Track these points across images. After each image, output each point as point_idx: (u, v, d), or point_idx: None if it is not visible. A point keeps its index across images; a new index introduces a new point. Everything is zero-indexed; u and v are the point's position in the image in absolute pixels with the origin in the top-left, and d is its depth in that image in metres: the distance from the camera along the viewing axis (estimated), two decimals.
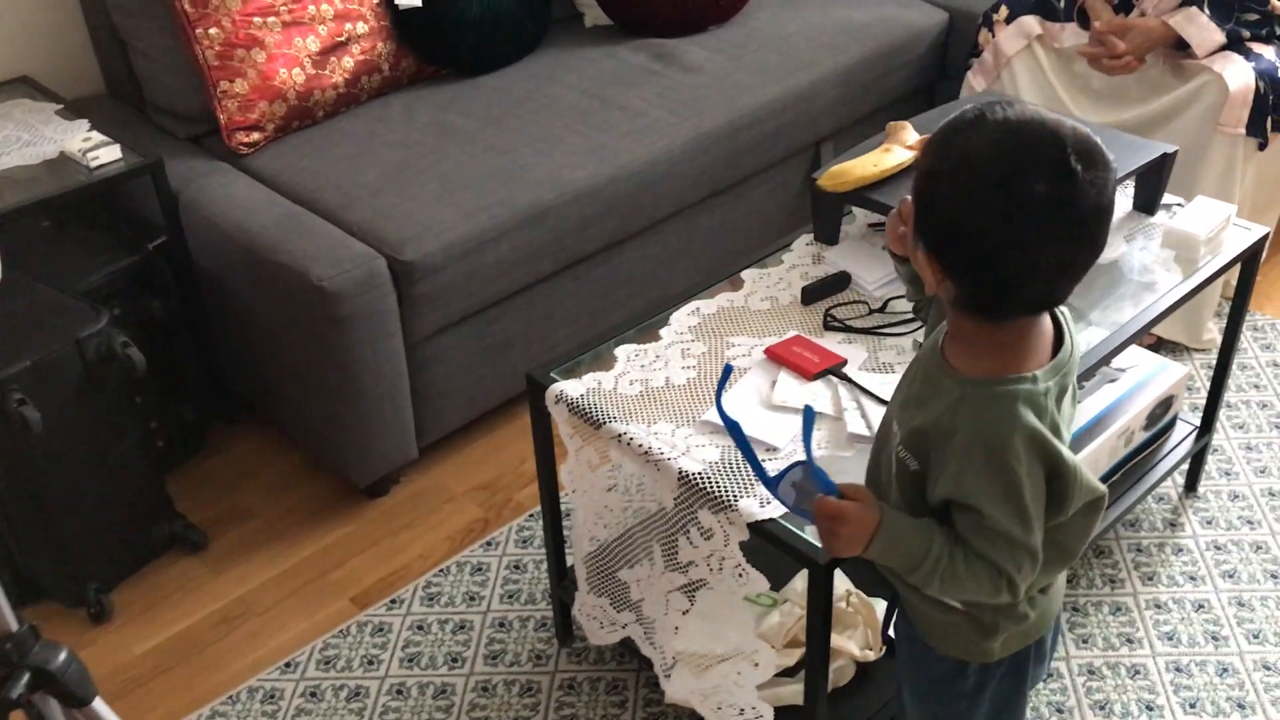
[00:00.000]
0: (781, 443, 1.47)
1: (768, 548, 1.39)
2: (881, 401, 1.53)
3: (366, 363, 2.00)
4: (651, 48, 2.62)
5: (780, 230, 2.64)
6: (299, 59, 2.26)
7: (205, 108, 2.25)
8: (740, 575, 1.43)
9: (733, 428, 1.24)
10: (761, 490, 1.39)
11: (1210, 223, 1.83)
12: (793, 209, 2.67)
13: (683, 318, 1.73)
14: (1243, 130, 2.30)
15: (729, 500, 1.40)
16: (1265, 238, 1.88)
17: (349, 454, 2.12)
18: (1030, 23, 2.54)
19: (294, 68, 2.25)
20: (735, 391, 1.56)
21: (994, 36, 2.56)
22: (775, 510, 1.38)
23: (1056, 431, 1.12)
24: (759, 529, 1.38)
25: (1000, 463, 1.09)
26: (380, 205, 2.09)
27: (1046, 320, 1.14)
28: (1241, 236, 1.88)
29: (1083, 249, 1.07)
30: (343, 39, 2.33)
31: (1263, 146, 2.35)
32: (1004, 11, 2.57)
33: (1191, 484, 2.15)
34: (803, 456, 1.16)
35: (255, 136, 2.26)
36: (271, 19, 2.23)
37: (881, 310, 1.72)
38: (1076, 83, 2.54)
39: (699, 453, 1.47)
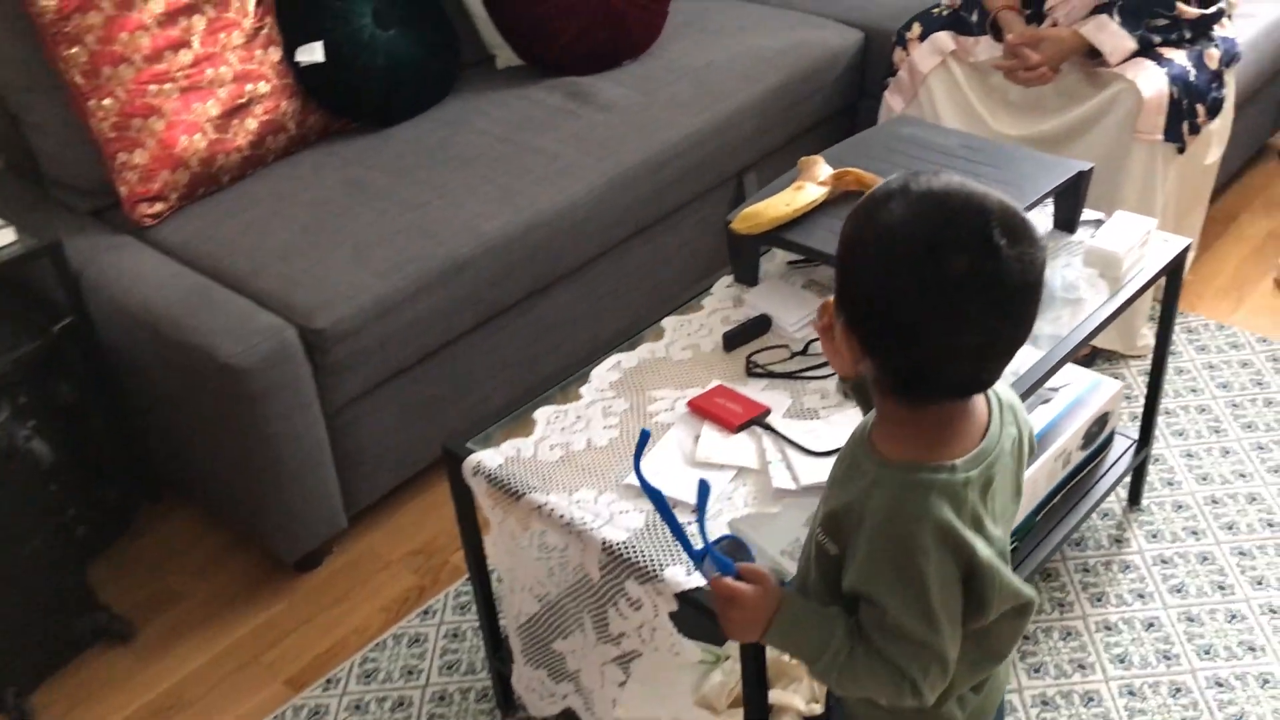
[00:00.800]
0: (707, 503, 1.43)
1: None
2: (807, 452, 1.49)
3: (283, 437, 1.93)
4: (565, 86, 2.58)
5: (709, 261, 2.61)
6: (199, 124, 2.19)
7: (105, 180, 2.18)
8: (673, 649, 1.38)
9: (655, 496, 1.19)
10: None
11: (1131, 238, 1.81)
12: (720, 240, 2.62)
13: (603, 373, 1.68)
14: (1160, 137, 2.30)
15: (655, 570, 1.36)
16: (1186, 249, 1.86)
17: (274, 530, 2.06)
18: (943, 39, 2.52)
19: (195, 134, 2.19)
20: (658, 450, 1.51)
21: (908, 55, 2.55)
22: (702, 579, 1.33)
23: (979, 527, 1.05)
24: (687, 599, 1.33)
25: (907, 556, 1.02)
26: (290, 271, 2.03)
27: (978, 404, 1.09)
28: (1163, 249, 1.86)
29: (1009, 328, 1.01)
30: (244, 100, 2.26)
31: (1181, 150, 2.35)
32: (917, 29, 2.55)
33: (1134, 497, 2.13)
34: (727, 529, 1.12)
35: (159, 207, 2.19)
36: (168, 85, 2.16)
37: (804, 353, 1.68)
38: (993, 96, 2.53)
39: (623, 520, 1.42)
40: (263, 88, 2.29)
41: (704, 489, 1.12)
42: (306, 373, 1.94)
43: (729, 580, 1.11)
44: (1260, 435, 2.24)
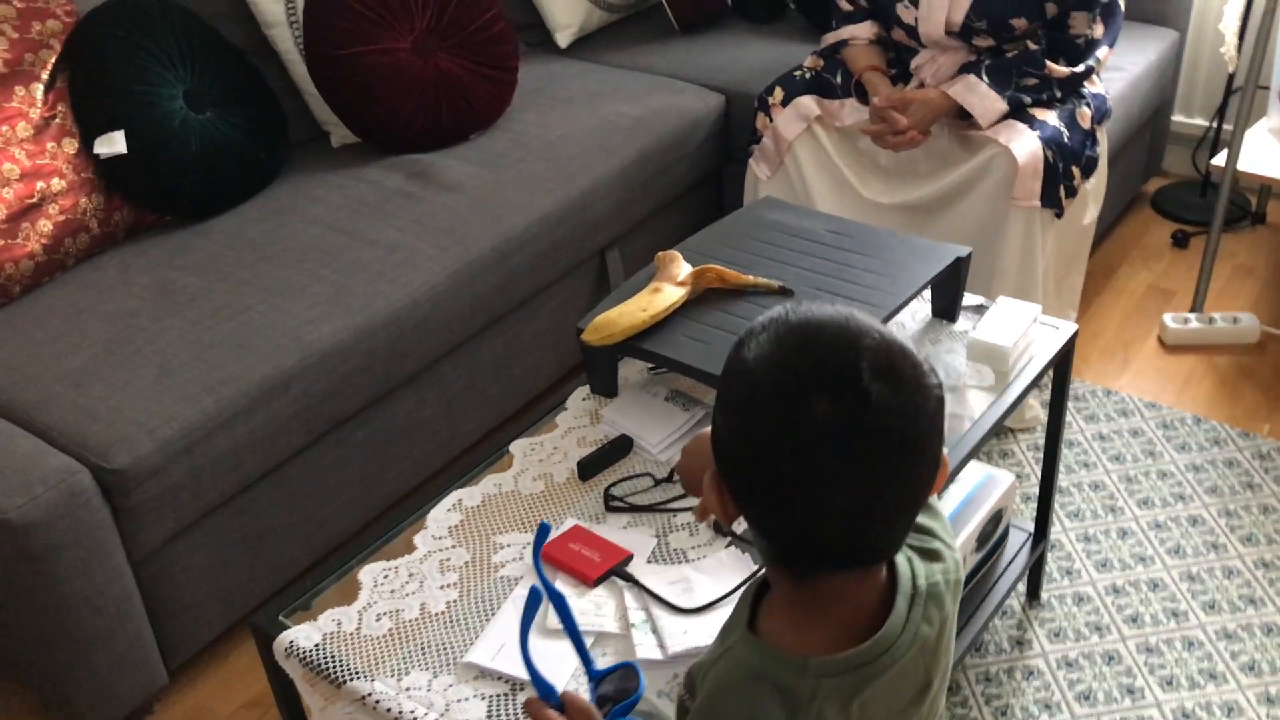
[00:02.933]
0: (562, 680, 1.22)
1: None
2: (676, 610, 1.29)
3: (81, 597, 1.67)
4: (407, 166, 2.37)
5: (570, 350, 2.42)
6: None
7: None
8: None
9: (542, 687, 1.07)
10: None
11: (1016, 327, 1.68)
12: None
13: (441, 516, 1.46)
14: (1037, 203, 2.19)
15: None
16: (1074, 336, 1.74)
17: (83, 697, 1.78)
18: (807, 104, 2.38)
19: None
20: (502, 618, 1.31)
21: (772, 121, 2.40)
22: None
23: None
24: None
25: None
26: (85, 400, 1.77)
27: (872, 586, 0.90)
28: (1051, 336, 1.73)
29: (891, 488, 0.84)
30: (35, 200, 2.00)
31: (1059, 215, 2.24)
32: (779, 94, 2.41)
33: (1034, 591, 1.99)
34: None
35: None
36: None
37: (670, 479, 1.49)
38: (863, 161, 2.40)
39: (462, 709, 1.21)
40: (57, 184, 2.03)
41: (534, 596, 1.04)
42: (105, 519, 1.69)
43: (540, 707, 1.00)
44: (1157, 512, 2.13)
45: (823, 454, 0.81)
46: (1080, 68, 2.25)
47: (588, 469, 1.51)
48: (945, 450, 0.92)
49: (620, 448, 1.53)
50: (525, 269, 2.23)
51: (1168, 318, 2.55)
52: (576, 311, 2.43)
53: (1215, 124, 2.95)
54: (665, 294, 1.59)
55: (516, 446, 1.57)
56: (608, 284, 2.47)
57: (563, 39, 2.87)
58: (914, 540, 0.96)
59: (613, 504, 1.46)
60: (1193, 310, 2.59)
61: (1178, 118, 3.07)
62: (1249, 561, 2.01)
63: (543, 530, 1.30)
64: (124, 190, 2.14)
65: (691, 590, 1.31)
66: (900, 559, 0.93)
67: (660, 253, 1.68)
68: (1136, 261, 2.85)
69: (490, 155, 2.39)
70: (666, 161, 2.52)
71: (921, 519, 0.99)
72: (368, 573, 1.39)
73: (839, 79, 2.40)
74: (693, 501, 1.45)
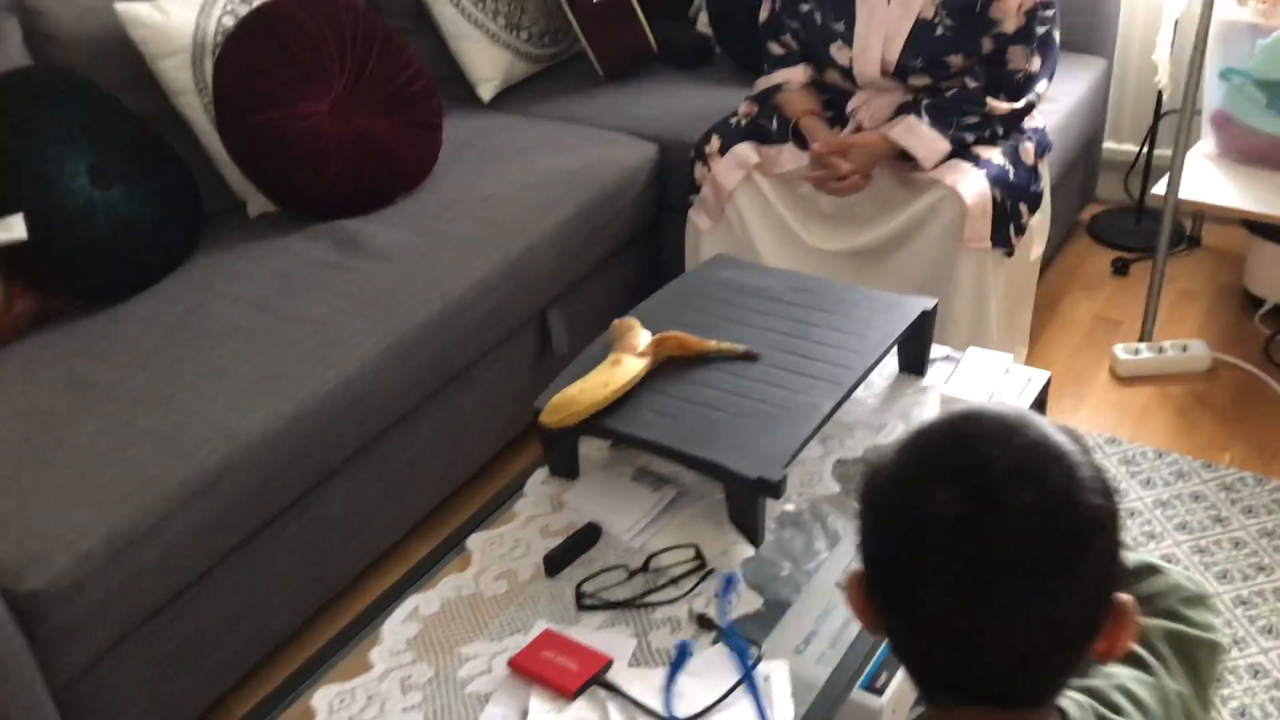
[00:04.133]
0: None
1: None
2: None
3: None
4: (332, 234, 2.24)
5: (515, 416, 2.32)
6: None
7: None
8: None
9: None
10: None
11: (988, 381, 1.61)
12: (526, 389, 2.33)
13: (397, 627, 1.34)
14: (988, 244, 2.14)
15: None
16: (1047, 384, 1.67)
17: None
18: (745, 151, 2.31)
19: None
20: None
21: (710, 171, 2.33)
22: None
23: None
24: None
25: None
26: None
27: None
28: (1024, 387, 1.66)
29: (1016, 616, 0.72)
30: None
31: (1010, 254, 2.20)
32: (716, 143, 2.34)
33: None
34: None
35: None
36: None
37: (645, 569, 1.39)
38: (805, 208, 2.33)
39: None
40: None
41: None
42: (20, 647, 1.53)
43: None
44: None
45: (935, 552, 0.73)
46: (1021, 103, 2.21)
47: (554, 564, 1.40)
48: (1123, 596, 0.79)
49: (588, 537, 1.43)
50: (464, 336, 2.12)
51: (1118, 349, 2.52)
52: (519, 376, 2.32)
53: (1146, 149, 2.95)
54: (626, 366, 1.49)
55: (474, 542, 1.46)
56: (550, 345, 2.37)
57: (486, 92, 2.77)
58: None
59: (585, 602, 1.35)
60: (1141, 340, 2.56)
61: (1108, 145, 3.07)
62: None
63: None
64: (26, 278, 1.99)
65: (685, 696, 1.21)
66: (1073, 710, 0.83)
67: (616, 321, 1.59)
68: (1080, 292, 2.83)
69: (419, 218, 2.28)
70: (604, 215, 2.43)
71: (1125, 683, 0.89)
72: (322, 698, 1.26)
73: (775, 125, 2.34)
74: (673, 593, 1.35)
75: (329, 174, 2.25)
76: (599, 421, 1.45)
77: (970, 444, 0.75)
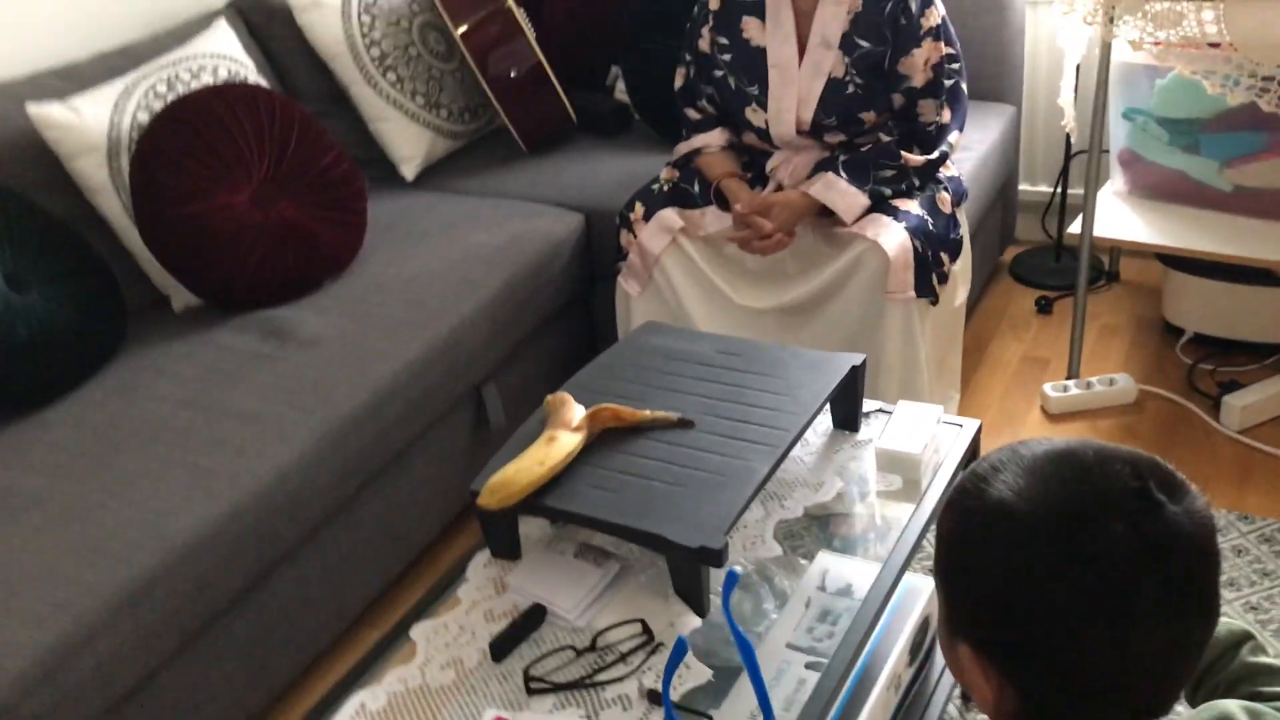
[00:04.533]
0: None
1: None
2: None
3: None
4: (259, 324, 2.22)
5: (453, 496, 2.30)
6: None
7: None
8: None
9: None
10: None
11: (921, 433, 1.63)
12: (464, 468, 2.32)
13: None
14: (912, 294, 2.17)
15: None
16: (978, 432, 1.70)
17: None
18: (669, 216, 2.34)
19: None
20: None
21: (636, 237, 2.35)
22: None
23: None
24: None
25: None
26: None
27: None
28: (956, 435, 1.68)
29: (1199, 614, 0.78)
30: None
31: (934, 303, 2.23)
32: (640, 209, 2.36)
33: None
34: None
35: None
36: None
37: (592, 647, 1.38)
38: (732, 268, 2.36)
39: None
40: None
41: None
42: None
43: None
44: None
45: (1129, 579, 0.74)
46: (935, 154, 2.26)
47: (501, 648, 1.38)
48: None
49: (533, 619, 1.41)
50: (398, 420, 2.10)
51: (1048, 388, 2.56)
52: (457, 454, 2.31)
53: (1060, 189, 3.02)
54: (561, 442, 1.48)
55: (418, 632, 1.44)
56: (487, 422, 2.36)
57: (408, 171, 2.78)
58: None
59: (534, 685, 1.33)
60: (1069, 377, 2.61)
61: (1024, 187, 3.15)
62: None
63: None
64: None
65: None
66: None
67: (549, 396, 1.59)
68: (1006, 333, 2.88)
69: (347, 303, 2.27)
70: (533, 287, 2.43)
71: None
72: None
73: (697, 188, 2.37)
74: (622, 670, 1.33)
75: (253, 264, 2.24)
76: (537, 500, 1.44)
77: (1106, 474, 0.78)
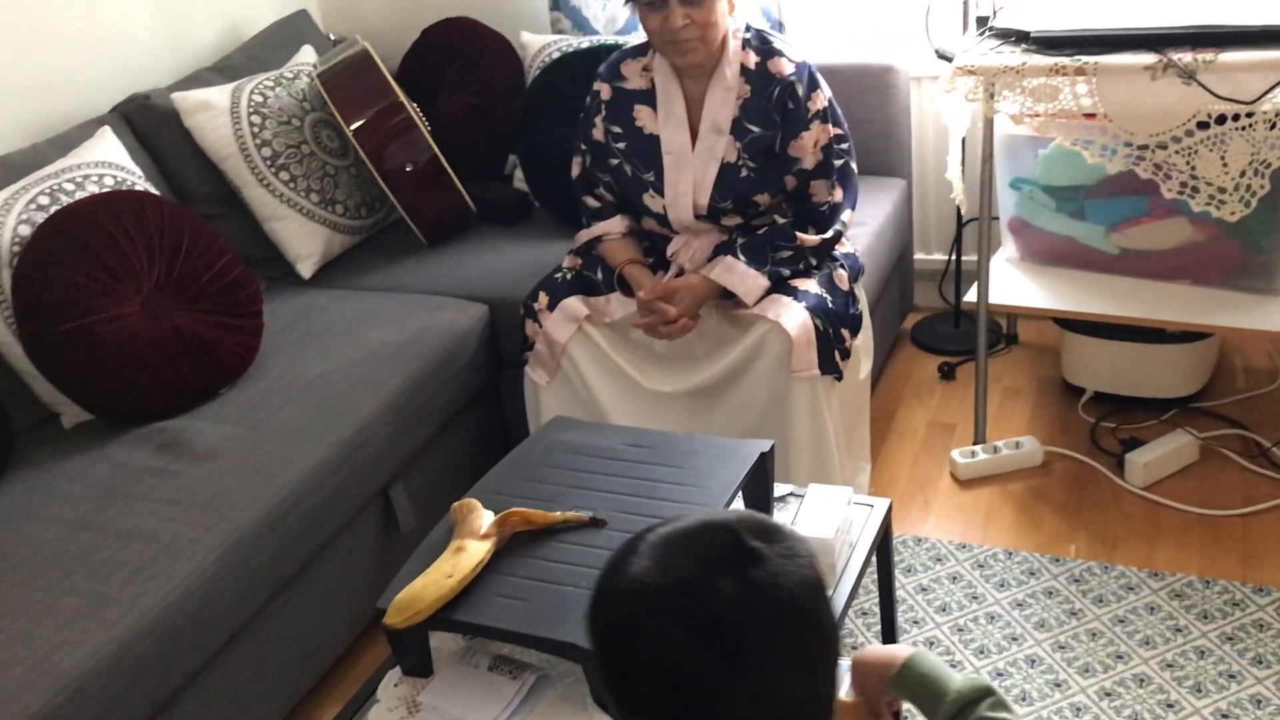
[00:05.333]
0: None
1: None
2: None
3: None
4: (153, 437, 2.15)
5: (364, 603, 2.23)
6: None
7: None
8: None
9: None
10: None
11: (834, 516, 1.63)
12: (374, 574, 2.26)
13: None
14: (817, 371, 2.19)
15: None
16: (889, 512, 1.70)
17: None
18: (574, 304, 2.33)
19: None
20: None
21: (541, 327, 2.33)
22: None
23: None
24: None
25: None
26: None
27: None
28: (868, 516, 1.69)
29: (814, 644, 0.86)
30: None
31: (839, 379, 2.25)
32: (544, 299, 2.35)
33: None
34: None
35: None
36: None
37: None
38: (639, 353, 2.35)
39: None
40: None
41: None
42: None
43: None
44: (995, 660, 2.10)
45: (748, 626, 0.81)
46: (829, 233, 2.30)
47: None
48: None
49: None
50: (303, 530, 2.04)
51: (955, 454, 2.59)
52: (366, 561, 2.25)
53: (954, 257, 3.09)
54: (470, 552, 1.45)
55: None
56: (396, 524, 2.30)
57: (305, 269, 2.74)
58: None
59: None
60: (976, 442, 2.65)
61: (919, 255, 3.21)
62: (1091, 694, 2.00)
63: None
64: None
65: None
66: None
67: (456, 504, 1.56)
68: (912, 400, 2.92)
69: (245, 410, 2.21)
70: (439, 382, 2.40)
71: None
72: None
73: (600, 275, 2.37)
74: None
75: (146, 376, 2.17)
76: (447, 615, 1.40)
77: (713, 539, 0.87)
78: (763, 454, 1.65)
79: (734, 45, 2.24)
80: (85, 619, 1.73)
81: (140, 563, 1.84)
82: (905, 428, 2.81)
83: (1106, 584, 2.23)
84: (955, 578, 2.30)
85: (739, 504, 1.71)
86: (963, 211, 2.88)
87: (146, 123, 2.66)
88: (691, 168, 2.28)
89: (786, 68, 2.23)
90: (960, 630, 2.18)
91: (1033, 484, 2.54)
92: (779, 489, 1.74)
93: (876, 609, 2.14)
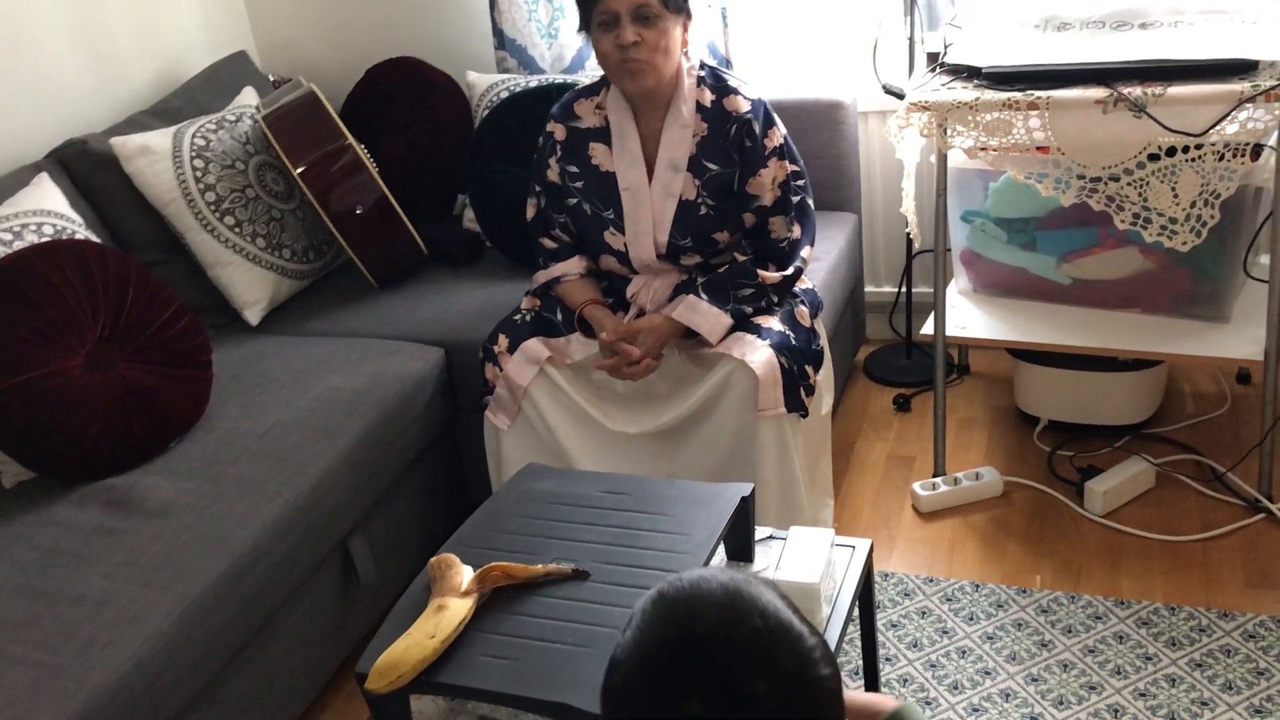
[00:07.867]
0: None
1: None
2: None
3: None
4: (101, 495, 2.06)
5: (325, 660, 2.16)
6: None
7: None
8: None
9: None
10: None
11: (816, 560, 1.61)
12: (335, 628, 2.19)
13: None
14: (783, 409, 2.17)
15: None
16: (870, 553, 1.69)
17: None
18: (535, 346, 2.29)
19: None
20: None
21: (502, 370, 2.29)
22: None
23: None
24: None
25: None
26: None
27: None
28: (850, 557, 1.67)
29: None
30: None
31: (805, 416, 2.24)
32: (504, 341, 2.31)
33: None
34: None
35: None
36: None
37: None
38: (602, 394, 2.32)
39: None
40: None
41: None
42: None
43: None
44: (970, 695, 2.09)
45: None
46: (790, 270, 2.29)
47: None
48: None
49: None
50: (262, 587, 1.97)
51: (917, 487, 2.59)
52: (327, 615, 2.17)
53: (905, 289, 3.11)
54: (452, 610, 1.40)
55: None
56: (356, 575, 2.23)
57: (253, 316, 2.67)
58: None
59: None
60: (936, 474, 2.65)
61: (869, 288, 3.22)
62: None
63: None
64: None
65: None
66: None
67: (433, 560, 1.51)
68: (869, 433, 2.92)
69: (197, 464, 2.13)
70: (397, 429, 2.34)
71: None
72: None
73: (560, 316, 2.34)
74: None
75: (92, 431, 2.09)
76: (430, 678, 1.35)
77: (704, 647, 0.79)
78: (743, 498, 1.62)
79: (689, 82, 2.24)
80: (34, 693, 1.64)
81: (93, 630, 1.75)
82: (864, 461, 2.81)
83: (1074, 614, 2.23)
84: (924, 612, 2.29)
85: (721, 551, 1.68)
86: (917, 244, 2.90)
87: (84, 169, 2.58)
88: (649, 205, 2.26)
89: (743, 105, 2.23)
90: (933, 666, 2.16)
91: (995, 514, 2.55)
92: (757, 531, 1.71)
93: (848, 647, 2.12)
